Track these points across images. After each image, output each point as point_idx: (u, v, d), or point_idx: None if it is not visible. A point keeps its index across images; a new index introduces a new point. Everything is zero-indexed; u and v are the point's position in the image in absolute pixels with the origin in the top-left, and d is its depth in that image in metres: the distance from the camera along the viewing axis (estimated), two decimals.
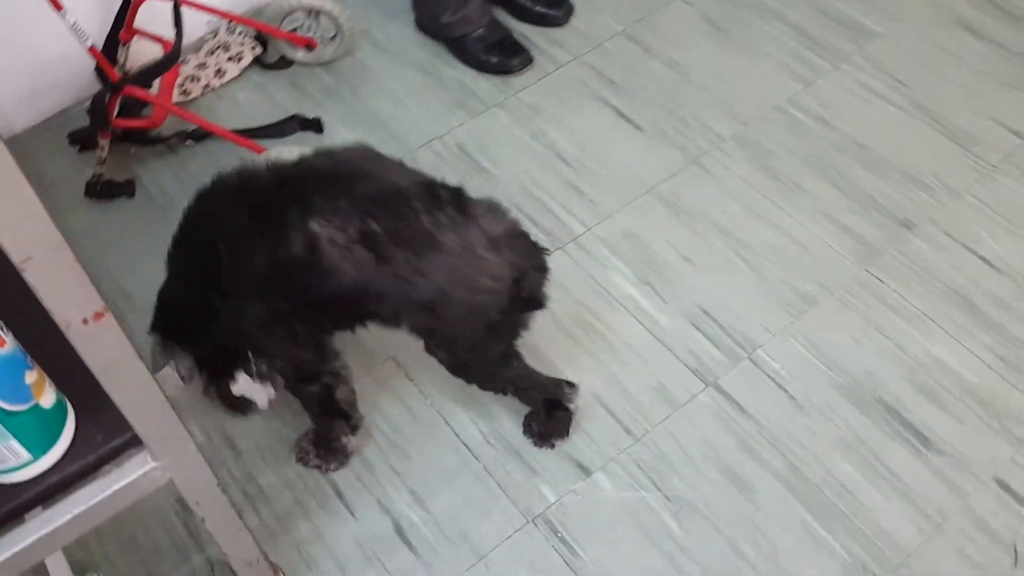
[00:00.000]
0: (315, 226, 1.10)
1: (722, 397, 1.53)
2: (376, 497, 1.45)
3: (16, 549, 0.91)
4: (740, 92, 1.95)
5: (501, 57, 1.98)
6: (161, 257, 1.24)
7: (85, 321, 0.77)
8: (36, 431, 0.88)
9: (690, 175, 1.82)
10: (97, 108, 1.63)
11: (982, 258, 1.69)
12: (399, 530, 1.42)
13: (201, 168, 1.83)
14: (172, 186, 1.82)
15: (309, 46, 1.96)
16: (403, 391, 1.55)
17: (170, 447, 0.95)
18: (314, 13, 1.94)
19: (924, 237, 1.71)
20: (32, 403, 0.86)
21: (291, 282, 1.15)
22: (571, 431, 1.49)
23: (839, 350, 1.58)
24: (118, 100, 1.67)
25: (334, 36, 1.97)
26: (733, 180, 1.81)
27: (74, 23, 1.55)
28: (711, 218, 1.76)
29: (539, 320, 1.60)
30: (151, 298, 1.28)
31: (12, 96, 1.84)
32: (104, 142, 1.72)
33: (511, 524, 1.41)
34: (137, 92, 1.64)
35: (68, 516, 0.91)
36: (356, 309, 1.21)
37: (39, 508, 0.92)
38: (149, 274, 1.27)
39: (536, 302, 1.27)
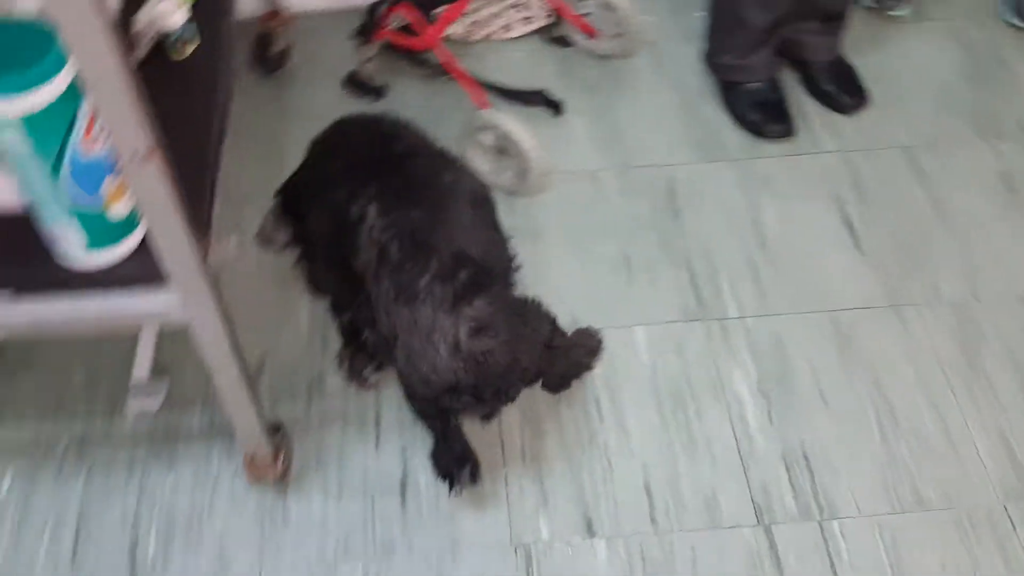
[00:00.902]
0: (372, 210, 1.21)
1: (766, 544, 1.40)
2: (404, 444, 1.50)
3: (44, 318, 1.07)
4: (992, 262, 1.71)
5: (762, 118, 1.90)
6: None
7: (135, 156, 0.88)
8: (96, 229, 1.02)
9: (881, 317, 1.65)
10: (371, 14, 1.79)
11: None
12: (403, 482, 1.47)
13: (446, 104, 1.94)
14: (415, 108, 1.95)
15: (590, 35, 2.00)
16: None
17: (193, 298, 1.06)
18: (609, 7, 1.97)
19: None
20: (100, 206, 1.00)
21: (340, 233, 1.25)
22: (600, 490, 1.45)
23: (918, 568, 1.38)
24: (392, 13, 1.81)
25: (618, 35, 1.99)
26: (924, 346, 1.61)
27: None
28: (875, 370, 1.58)
29: (636, 371, 1.58)
30: None
31: None
32: (371, 46, 1.88)
33: (496, 537, 1.41)
34: (410, 13, 1.78)
35: (93, 312, 1.06)
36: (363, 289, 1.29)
37: (77, 292, 1.07)
38: None
39: (447, 417, 1.31)
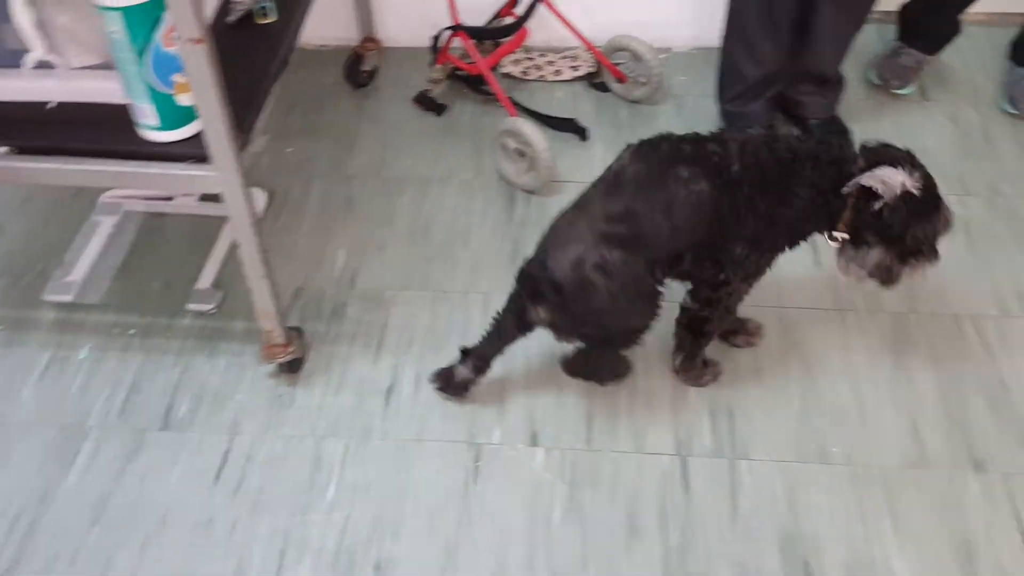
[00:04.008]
0: (589, 264, 1.51)
1: (679, 470, 1.62)
2: (397, 363, 1.82)
3: (125, 172, 1.47)
4: (933, 287, 1.92)
5: None
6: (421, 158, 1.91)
7: (190, 39, 1.27)
8: (166, 112, 1.42)
9: (825, 318, 1.87)
10: (436, 39, 2.23)
11: None
12: (390, 388, 1.77)
13: (493, 122, 2.31)
14: (466, 126, 2.36)
15: (620, 80, 2.37)
16: None
17: (225, 174, 1.43)
18: (637, 58, 2.33)
19: (984, 484, 1.58)
20: (171, 93, 1.41)
21: None
22: (549, 414, 1.71)
23: (810, 507, 1.56)
24: (452, 39, 2.23)
25: (645, 83, 2.35)
26: (858, 344, 1.82)
27: None
28: (808, 356, 1.80)
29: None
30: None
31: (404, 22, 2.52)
32: (438, 68, 2.31)
33: (456, 436, 1.69)
34: (465, 40, 2.19)
35: (157, 174, 1.46)
36: None
37: (149, 158, 1.47)
38: (411, 157, 1.87)
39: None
